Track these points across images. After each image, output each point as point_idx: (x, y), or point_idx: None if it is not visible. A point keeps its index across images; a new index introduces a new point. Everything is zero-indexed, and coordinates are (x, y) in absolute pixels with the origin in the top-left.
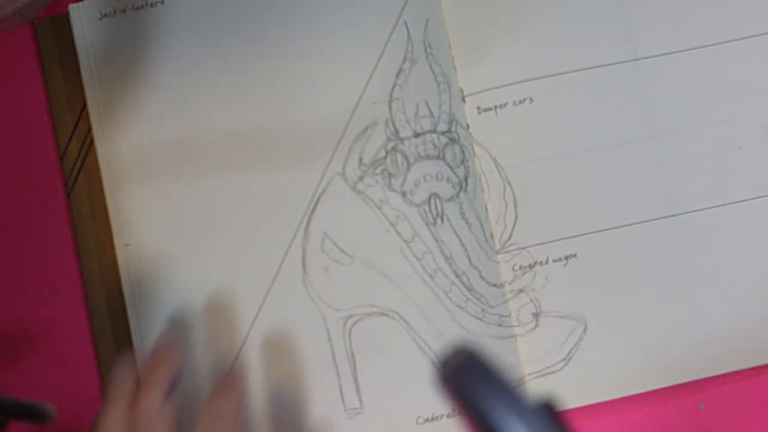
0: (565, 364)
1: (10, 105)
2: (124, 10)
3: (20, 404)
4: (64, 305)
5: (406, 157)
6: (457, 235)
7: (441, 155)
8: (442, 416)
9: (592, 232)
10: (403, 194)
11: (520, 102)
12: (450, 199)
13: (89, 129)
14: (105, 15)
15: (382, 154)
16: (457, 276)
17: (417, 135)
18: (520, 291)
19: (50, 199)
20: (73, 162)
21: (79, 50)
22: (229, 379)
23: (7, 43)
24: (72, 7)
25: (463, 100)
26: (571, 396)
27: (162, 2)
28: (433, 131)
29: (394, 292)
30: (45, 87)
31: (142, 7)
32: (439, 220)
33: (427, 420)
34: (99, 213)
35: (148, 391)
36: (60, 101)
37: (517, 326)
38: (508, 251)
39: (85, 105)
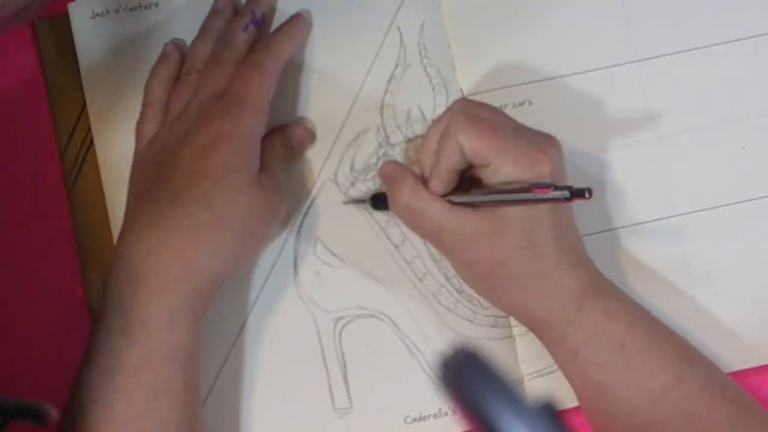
0: None
1: (11, 105)
2: (117, 11)
3: (20, 404)
4: (64, 305)
5: None
6: None
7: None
8: (429, 416)
9: (591, 233)
10: None
11: (520, 104)
12: None
13: (89, 129)
14: (97, 14)
15: (374, 160)
16: (447, 279)
17: (408, 140)
18: None
19: (50, 199)
20: (73, 162)
21: (78, 50)
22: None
23: (7, 43)
24: (71, 7)
25: None
26: (570, 395)
27: (156, 4)
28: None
29: (383, 294)
30: (45, 87)
31: (136, 8)
32: None
33: (415, 420)
34: (99, 213)
35: (237, 17)
36: (60, 101)
37: (516, 326)
38: None
39: (85, 105)
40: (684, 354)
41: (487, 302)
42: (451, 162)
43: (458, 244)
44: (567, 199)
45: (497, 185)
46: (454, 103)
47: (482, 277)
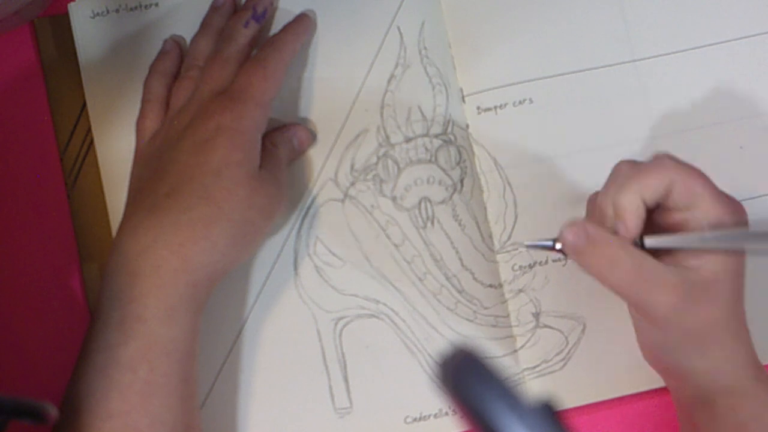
0: (564, 364)
1: (11, 105)
2: (117, 10)
3: (20, 404)
4: (64, 305)
5: (396, 163)
6: (449, 238)
7: (433, 158)
8: (429, 416)
9: None
10: (394, 199)
11: (520, 102)
12: (442, 202)
13: (89, 129)
14: (97, 14)
15: (374, 160)
16: (447, 278)
17: (408, 140)
18: (520, 291)
19: (50, 198)
20: (73, 162)
21: (78, 50)
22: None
23: (7, 43)
24: (71, 6)
25: (463, 100)
26: (569, 395)
27: (156, 4)
28: (426, 135)
29: (384, 294)
30: (45, 87)
31: (136, 8)
32: (429, 224)
33: (415, 420)
34: (99, 212)
35: (239, 13)
36: (60, 101)
37: (517, 326)
38: (508, 251)
39: (85, 105)
40: None
41: (488, 302)
42: (646, 195)
43: (677, 303)
44: None
45: (699, 229)
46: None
47: (692, 339)
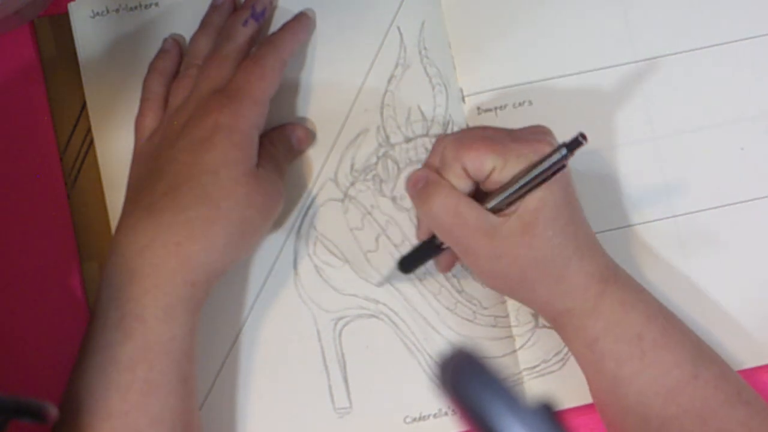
0: (563, 364)
1: (11, 105)
2: (117, 10)
3: (21, 403)
4: (64, 305)
5: (396, 163)
6: None
7: None
8: (429, 416)
9: None
10: (393, 199)
11: (520, 104)
12: None
13: (89, 129)
14: (97, 14)
15: (374, 160)
16: (447, 278)
17: (408, 140)
18: None
19: (50, 198)
20: (73, 162)
21: (78, 49)
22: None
23: (7, 43)
24: (71, 6)
25: (463, 101)
26: (568, 395)
27: (156, 4)
28: (426, 135)
29: (383, 294)
30: (45, 87)
31: (136, 8)
32: None
33: (414, 419)
34: (99, 212)
35: (238, 12)
36: (60, 101)
37: (516, 326)
38: None
39: (85, 105)
40: (699, 352)
41: (487, 303)
42: (461, 189)
43: (494, 250)
44: (570, 151)
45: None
46: (438, 139)
47: (515, 280)
